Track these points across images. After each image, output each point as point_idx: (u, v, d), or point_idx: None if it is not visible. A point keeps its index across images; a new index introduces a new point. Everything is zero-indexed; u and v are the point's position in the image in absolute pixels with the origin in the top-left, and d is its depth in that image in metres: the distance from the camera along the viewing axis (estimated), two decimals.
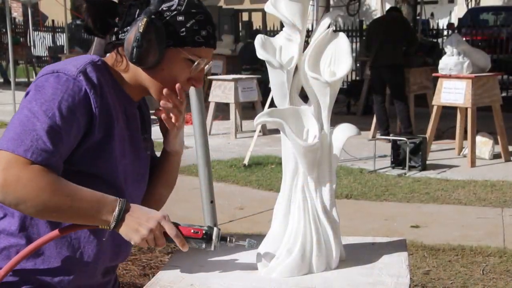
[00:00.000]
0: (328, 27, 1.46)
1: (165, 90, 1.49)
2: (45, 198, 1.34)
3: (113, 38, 1.50)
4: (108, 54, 1.54)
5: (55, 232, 1.42)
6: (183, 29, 1.45)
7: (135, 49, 1.42)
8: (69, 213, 1.38)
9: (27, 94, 1.44)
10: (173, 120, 1.56)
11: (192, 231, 1.42)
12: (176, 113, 1.55)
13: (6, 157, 1.34)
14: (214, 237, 1.42)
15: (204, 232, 1.42)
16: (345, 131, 1.46)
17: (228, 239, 1.44)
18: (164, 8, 1.45)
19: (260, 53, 1.43)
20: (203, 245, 1.42)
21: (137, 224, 1.38)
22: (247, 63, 10.61)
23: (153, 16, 1.42)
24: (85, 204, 1.37)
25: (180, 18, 1.44)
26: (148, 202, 1.62)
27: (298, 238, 1.43)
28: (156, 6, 1.44)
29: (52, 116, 1.37)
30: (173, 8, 1.45)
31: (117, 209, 1.38)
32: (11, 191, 1.32)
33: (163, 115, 1.55)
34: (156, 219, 1.40)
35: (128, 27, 1.45)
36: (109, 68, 1.51)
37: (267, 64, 1.45)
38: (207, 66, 1.52)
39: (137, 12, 1.46)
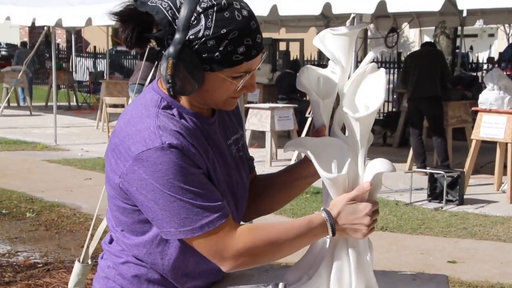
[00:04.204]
0: (372, 61, 1.48)
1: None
2: (273, 252, 1.42)
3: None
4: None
5: None
6: (217, 53, 1.35)
7: (170, 89, 1.38)
8: (294, 247, 1.45)
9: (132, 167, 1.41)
10: None
11: None
12: None
13: (203, 243, 1.40)
14: None
15: None
16: (377, 166, 1.44)
17: None
18: (191, 37, 1.34)
19: (300, 84, 1.45)
20: None
21: (354, 226, 1.42)
22: (284, 92, 10.65)
23: (180, 51, 1.34)
24: (300, 233, 1.43)
25: (211, 42, 1.34)
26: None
27: (331, 265, 1.44)
28: (182, 36, 1.34)
29: (183, 193, 1.37)
30: (200, 35, 1.34)
31: (328, 225, 1.42)
32: (241, 264, 1.42)
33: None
34: (365, 213, 1.42)
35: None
36: (176, 101, 1.47)
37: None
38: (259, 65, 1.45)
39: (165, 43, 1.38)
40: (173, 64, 1.35)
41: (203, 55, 1.36)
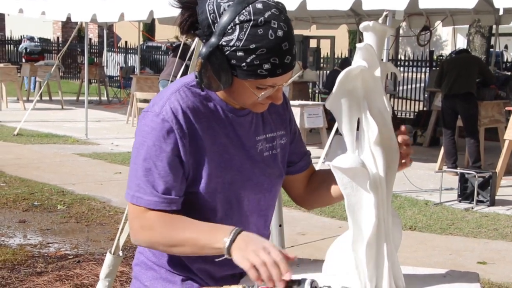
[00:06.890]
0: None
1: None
2: (164, 238, 1.48)
3: None
4: None
5: None
6: (244, 64, 1.43)
7: (198, 83, 1.49)
8: (189, 246, 1.47)
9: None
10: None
11: None
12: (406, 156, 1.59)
13: (129, 208, 1.54)
14: None
15: None
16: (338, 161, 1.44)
17: None
18: (223, 43, 1.43)
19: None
20: None
21: (246, 247, 1.37)
22: (328, 87, 10.62)
23: (210, 54, 1.42)
24: (201, 234, 1.45)
25: (240, 53, 1.42)
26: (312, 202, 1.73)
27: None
28: (216, 40, 1.43)
29: (144, 159, 1.49)
30: (231, 44, 1.42)
31: (230, 235, 1.40)
32: (140, 238, 1.52)
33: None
34: (258, 248, 1.36)
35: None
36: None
37: None
38: (286, 83, 1.51)
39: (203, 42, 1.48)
40: (201, 64, 1.44)
41: (232, 62, 1.44)
